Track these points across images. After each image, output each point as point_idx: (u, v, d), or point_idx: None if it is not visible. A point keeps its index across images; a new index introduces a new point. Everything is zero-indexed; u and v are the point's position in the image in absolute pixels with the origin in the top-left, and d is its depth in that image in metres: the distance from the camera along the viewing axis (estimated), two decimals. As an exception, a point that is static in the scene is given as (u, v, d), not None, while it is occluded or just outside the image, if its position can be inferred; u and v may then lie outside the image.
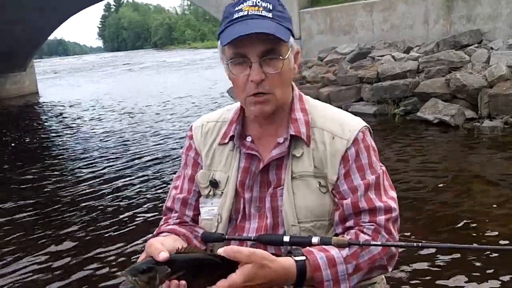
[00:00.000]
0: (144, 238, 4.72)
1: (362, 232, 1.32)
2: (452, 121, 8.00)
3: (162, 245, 1.15)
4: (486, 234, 4.18)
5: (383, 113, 9.39)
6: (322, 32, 12.57)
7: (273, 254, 1.23)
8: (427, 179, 5.77)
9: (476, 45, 9.75)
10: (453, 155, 6.91)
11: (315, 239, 1.27)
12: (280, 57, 1.29)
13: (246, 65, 1.29)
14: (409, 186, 5.49)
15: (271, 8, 1.30)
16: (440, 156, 6.81)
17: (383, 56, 10.55)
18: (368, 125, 1.44)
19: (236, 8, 1.31)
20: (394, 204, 1.37)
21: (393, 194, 1.41)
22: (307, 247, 1.28)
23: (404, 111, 9.12)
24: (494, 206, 4.76)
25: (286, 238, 1.29)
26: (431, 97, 8.62)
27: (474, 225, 4.39)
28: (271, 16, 1.29)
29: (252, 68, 1.28)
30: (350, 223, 1.35)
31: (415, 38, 11.05)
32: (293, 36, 1.35)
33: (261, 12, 1.29)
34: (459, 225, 4.41)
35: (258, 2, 1.30)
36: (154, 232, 1.47)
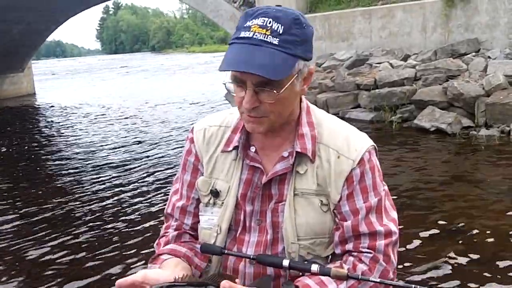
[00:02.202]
0: (139, 239, 4.70)
1: (360, 260, 1.31)
2: (449, 129, 8.01)
3: (158, 276, 1.19)
4: (483, 242, 4.19)
5: (380, 120, 9.38)
6: (320, 38, 12.58)
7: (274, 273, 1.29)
8: (423, 186, 5.77)
9: (474, 54, 9.79)
10: (450, 163, 6.92)
11: (314, 267, 1.24)
12: (274, 91, 1.22)
13: (242, 88, 1.25)
14: (405, 194, 5.48)
15: (281, 31, 1.20)
16: (436, 164, 6.81)
17: (380, 63, 10.56)
18: (374, 144, 1.41)
19: (246, 24, 1.23)
20: (394, 227, 1.35)
21: (394, 215, 1.38)
22: (304, 281, 1.27)
23: (401, 118, 9.12)
24: (492, 214, 4.76)
25: (286, 263, 1.26)
26: (428, 105, 8.64)
27: (470, 232, 4.38)
28: (276, 43, 1.19)
29: (246, 94, 1.24)
30: (349, 246, 1.34)
31: (413, 46, 11.08)
32: (304, 59, 1.26)
33: (267, 38, 1.19)
34: (455, 233, 4.40)
35: (269, 22, 1.20)
36: (156, 250, 1.46)
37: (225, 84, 1.28)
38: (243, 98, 1.25)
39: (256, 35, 1.20)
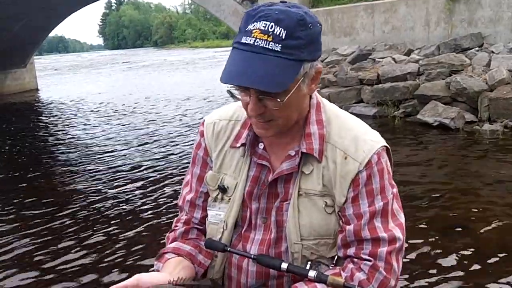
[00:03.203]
0: (147, 235, 4.71)
1: (359, 268, 1.27)
2: (452, 124, 7.99)
3: (152, 279, 1.22)
4: (485, 237, 4.18)
5: (383, 115, 9.38)
6: (323, 33, 12.26)
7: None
8: (426, 181, 5.76)
9: (477, 48, 9.76)
10: (453, 158, 6.90)
11: (311, 273, 1.23)
12: (278, 99, 1.19)
13: (247, 94, 1.23)
14: (408, 189, 5.47)
15: (283, 36, 1.14)
16: (439, 159, 6.80)
17: (383, 58, 10.55)
18: (386, 144, 1.35)
19: (248, 27, 1.17)
20: (399, 233, 1.30)
21: (401, 219, 1.33)
22: None
23: (404, 113, 9.12)
24: (494, 209, 4.75)
25: (284, 265, 1.26)
26: (431, 99, 8.62)
27: (473, 228, 4.37)
28: (279, 50, 1.14)
29: (250, 100, 1.21)
30: (351, 250, 1.30)
31: (416, 41, 11.05)
32: (311, 60, 1.23)
33: (269, 44, 1.14)
34: (457, 228, 4.39)
35: (271, 26, 1.14)
36: (167, 245, 1.48)
37: (229, 90, 1.25)
38: (248, 103, 1.23)
39: (257, 42, 1.15)
